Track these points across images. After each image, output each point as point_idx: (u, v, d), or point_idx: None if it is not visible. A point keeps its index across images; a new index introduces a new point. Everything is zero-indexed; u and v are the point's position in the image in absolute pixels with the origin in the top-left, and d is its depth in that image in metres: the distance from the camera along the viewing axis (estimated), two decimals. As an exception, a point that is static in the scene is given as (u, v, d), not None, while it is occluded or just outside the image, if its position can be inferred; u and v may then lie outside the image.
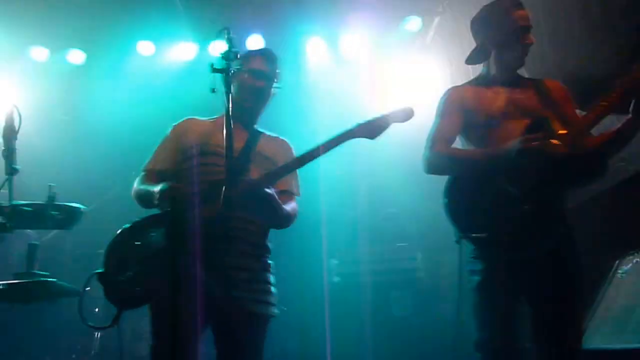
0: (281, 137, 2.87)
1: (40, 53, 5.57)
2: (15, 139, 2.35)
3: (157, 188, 2.32)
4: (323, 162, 2.41)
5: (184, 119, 2.77)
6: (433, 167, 2.63)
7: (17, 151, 2.34)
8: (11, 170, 2.31)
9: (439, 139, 2.62)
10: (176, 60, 5.75)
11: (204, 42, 5.69)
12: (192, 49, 5.74)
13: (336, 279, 4.82)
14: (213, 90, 2.22)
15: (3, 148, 2.34)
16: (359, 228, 5.05)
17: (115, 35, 5.47)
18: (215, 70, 2.28)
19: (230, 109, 2.25)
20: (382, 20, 5.51)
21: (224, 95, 2.25)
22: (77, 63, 5.67)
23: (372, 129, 2.40)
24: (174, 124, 2.74)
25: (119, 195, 3.24)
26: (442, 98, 2.75)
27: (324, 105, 5.32)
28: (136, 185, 2.56)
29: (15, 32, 5.25)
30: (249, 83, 2.65)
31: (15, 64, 5.47)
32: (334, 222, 4.78)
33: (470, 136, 2.68)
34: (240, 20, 5.40)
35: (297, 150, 2.74)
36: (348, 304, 4.55)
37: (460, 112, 2.66)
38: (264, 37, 5.57)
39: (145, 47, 5.68)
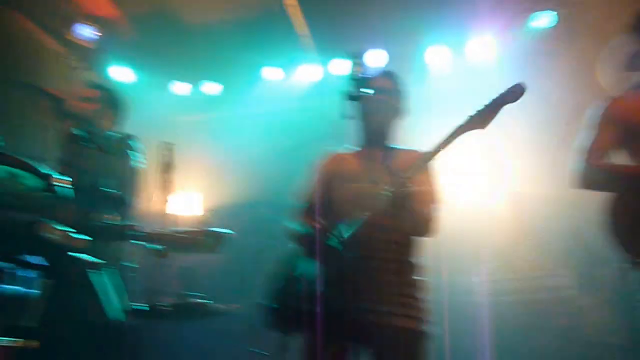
0: (413, 149, 2.86)
1: (183, 88, 6.05)
2: (171, 172, 2.58)
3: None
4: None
5: (328, 156, 2.77)
6: (588, 181, 2.44)
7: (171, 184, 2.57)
8: (168, 203, 2.55)
9: (594, 152, 2.43)
10: (303, 82, 5.94)
11: (328, 61, 5.82)
12: (318, 70, 5.89)
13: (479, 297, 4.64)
14: (346, 117, 2.23)
15: (161, 181, 2.58)
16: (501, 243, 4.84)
17: (244, 64, 5.76)
18: (347, 97, 2.26)
19: (365, 133, 2.25)
20: (508, 19, 5.28)
21: (358, 120, 2.25)
22: (212, 94, 6.07)
23: (483, 118, 2.29)
24: (321, 162, 2.75)
25: (261, 220, 3.39)
26: (598, 108, 2.54)
27: (450, 114, 5.20)
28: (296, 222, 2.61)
29: (157, 70, 5.76)
30: (374, 104, 2.64)
31: (159, 99, 6.00)
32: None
33: (637, 150, 2.45)
34: (361, 36, 5.47)
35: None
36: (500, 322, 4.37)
37: (622, 124, 2.45)
38: (386, 50, 5.59)
39: (272, 73, 5.93)
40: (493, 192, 5.13)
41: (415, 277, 2.55)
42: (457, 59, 5.54)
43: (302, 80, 5.94)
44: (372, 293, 2.35)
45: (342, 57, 5.69)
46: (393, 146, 2.78)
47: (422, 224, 2.50)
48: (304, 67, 5.90)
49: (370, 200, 2.29)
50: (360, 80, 2.28)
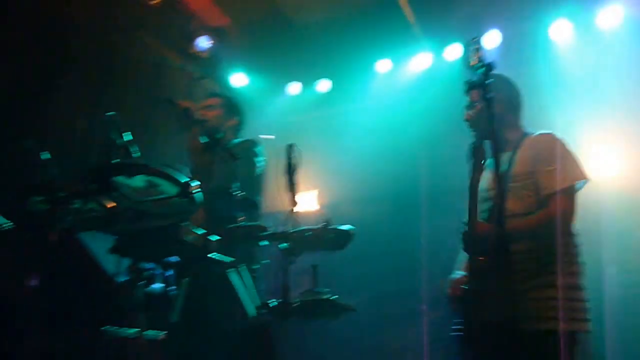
0: (545, 133, 2.76)
1: (294, 87, 6.21)
2: (295, 174, 2.67)
3: None
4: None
5: None
6: None
7: (298, 185, 2.66)
8: (294, 202, 2.63)
9: None
10: (413, 72, 5.85)
11: (439, 49, 5.69)
12: (428, 58, 5.77)
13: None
14: (469, 107, 2.15)
15: (287, 183, 2.68)
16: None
17: (357, 60, 5.78)
18: (471, 86, 2.19)
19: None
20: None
21: (485, 109, 2.16)
22: (324, 91, 6.16)
23: None
24: None
25: (383, 214, 3.40)
26: None
27: (581, 89, 4.87)
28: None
29: (271, 72, 5.96)
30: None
31: (275, 100, 6.19)
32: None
33: None
34: (474, 18, 5.28)
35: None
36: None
37: None
38: (501, 31, 5.35)
39: (383, 65, 5.90)
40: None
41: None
42: (584, 32, 5.15)
43: (414, 70, 5.84)
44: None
45: (456, 42, 5.53)
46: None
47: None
48: (416, 56, 5.79)
49: None
50: (486, 66, 2.18)
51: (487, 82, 2.18)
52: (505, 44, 5.30)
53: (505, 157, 2.81)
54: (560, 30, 5.21)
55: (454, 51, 5.58)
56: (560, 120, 4.58)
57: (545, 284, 2.51)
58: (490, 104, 2.13)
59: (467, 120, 2.93)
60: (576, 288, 2.61)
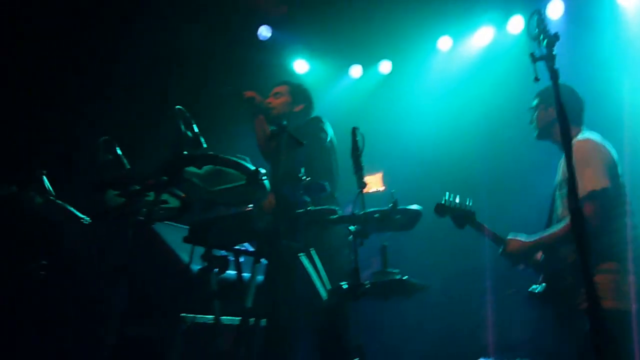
0: (580, 139, 2.97)
1: (356, 70, 6.16)
2: (361, 156, 2.67)
3: None
4: None
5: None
6: None
7: (364, 167, 2.66)
8: (362, 184, 2.63)
9: None
10: (475, 47, 5.66)
11: (501, 22, 5.49)
12: (489, 32, 5.57)
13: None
14: (536, 79, 2.06)
15: (353, 166, 2.68)
16: None
17: (417, 38, 5.68)
18: (536, 59, 2.08)
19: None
20: None
21: (552, 85, 2.05)
22: (385, 73, 6.08)
23: None
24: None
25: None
26: None
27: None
28: None
29: (336, 55, 5.94)
30: None
31: (337, 83, 6.18)
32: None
33: None
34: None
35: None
36: None
37: None
38: (563, 1, 5.11)
39: (444, 43, 5.75)
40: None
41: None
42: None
43: (476, 45, 5.65)
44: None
45: (519, 13, 5.32)
46: None
47: None
48: (477, 31, 5.60)
49: None
50: (551, 38, 2.08)
51: (551, 54, 2.07)
52: (569, 13, 5.08)
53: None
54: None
55: (517, 23, 5.34)
56: (629, 92, 4.37)
57: None
58: (556, 76, 2.04)
59: (531, 123, 3.29)
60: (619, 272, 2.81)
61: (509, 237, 3.10)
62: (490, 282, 4.89)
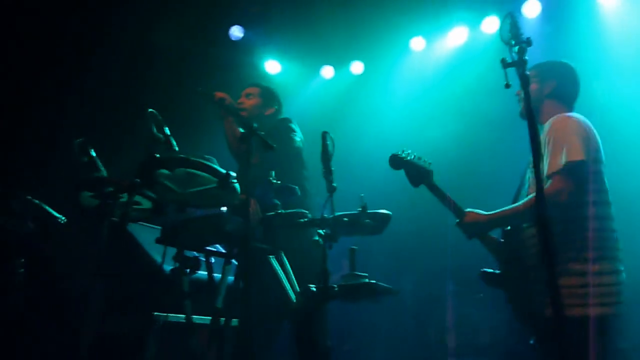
0: (558, 115, 2.81)
1: (328, 71, 6.20)
2: (331, 160, 2.73)
3: None
4: None
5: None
6: None
7: (334, 171, 2.72)
8: (331, 188, 2.70)
9: None
10: (449, 47, 5.70)
11: (475, 22, 5.54)
12: (463, 32, 5.61)
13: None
14: (507, 86, 2.10)
15: (323, 170, 2.74)
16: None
17: (389, 39, 5.71)
18: (507, 65, 2.08)
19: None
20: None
21: (522, 92, 2.11)
22: (357, 73, 6.11)
23: None
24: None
25: (419, 199, 3.41)
26: None
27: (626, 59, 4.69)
28: None
29: (307, 56, 5.95)
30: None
31: (309, 84, 6.21)
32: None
33: None
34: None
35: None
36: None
37: None
38: (540, 1, 5.20)
39: (417, 43, 5.77)
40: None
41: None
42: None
43: (449, 46, 5.69)
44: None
45: (494, 13, 5.35)
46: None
47: None
48: (451, 31, 5.64)
49: None
50: (524, 44, 2.07)
51: (522, 60, 2.07)
52: (546, 12, 5.16)
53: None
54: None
55: (492, 23, 5.37)
56: (604, 92, 4.46)
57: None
58: (526, 82, 2.07)
59: (517, 95, 3.04)
60: (591, 274, 2.60)
61: (468, 209, 2.94)
62: (457, 286, 4.98)
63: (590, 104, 4.40)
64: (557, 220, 2.59)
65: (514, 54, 2.08)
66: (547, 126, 2.83)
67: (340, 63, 6.12)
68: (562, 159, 2.63)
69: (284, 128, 3.65)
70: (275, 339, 3.37)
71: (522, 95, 2.89)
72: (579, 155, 2.63)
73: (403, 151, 3.11)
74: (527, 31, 2.10)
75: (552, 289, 1.79)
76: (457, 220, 2.94)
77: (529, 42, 2.08)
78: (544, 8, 5.17)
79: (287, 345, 3.14)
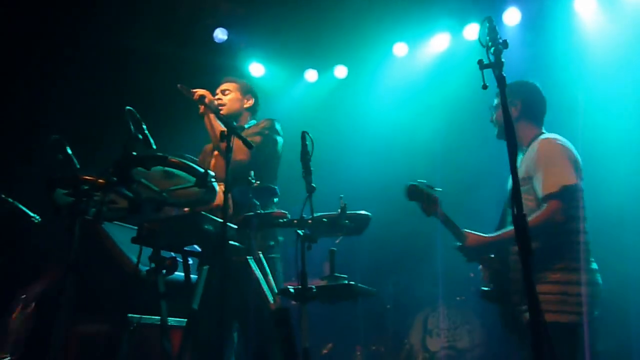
0: (544, 137, 2.94)
1: (311, 75, 6.20)
2: (310, 160, 2.70)
3: None
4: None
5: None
6: None
7: (313, 171, 2.69)
8: (310, 189, 2.66)
9: None
10: (431, 53, 5.76)
11: (457, 29, 5.60)
12: (445, 38, 5.68)
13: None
14: (485, 87, 2.11)
15: (302, 170, 2.71)
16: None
17: (373, 44, 5.74)
18: (484, 66, 2.10)
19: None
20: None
21: (499, 92, 2.11)
22: (341, 77, 6.14)
23: None
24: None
25: (397, 201, 3.41)
26: None
27: (604, 67, 4.75)
28: None
29: (291, 59, 5.94)
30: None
31: (293, 87, 6.20)
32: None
33: None
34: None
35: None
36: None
37: None
38: (520, 9, 5.27)
39: (400, 49, 5.83)
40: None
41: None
42: (610, 5, 5.00)
43: (431, 52, 5.76)
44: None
45: (475, 20, 5.41)
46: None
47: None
48: (433, 37, 5.71)
49: None
50: (500, 47, 2.08)
51: (499, 61, 2.09)
52: (526, 20, 5.23)
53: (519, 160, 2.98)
54: (584, 4, 5.04)
55: (474, 30, 5.44)
56: (583, 98, 4.52)
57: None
58: (503, 84, 2.08)
59: (492, 122, 3.21)
60: (566, 283, 2.78)
61: (466, 231, 2.99)
62: (441, 288, 4.99)
63: (570, 109, 4.52)
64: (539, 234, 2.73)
65: (491, 56, 2.11)
66: (531, 150, 2.97)
67: (324, 67, 6.15)
68: (559, 183, 2.78)
69: (268, 129, 3.60)
70: (252, 339, 3.31)
71: (494, 118, 3.18)
72: (572, 180, 2.81)
73: (419, 182, 3.19)
74: (508, 39, 2.12)
75: (530, 296, 1.85)
76: (459, 244, 3.02)
77: (505, 44, 2.11)
78: (524, 16, 5.26)
79: (263, 346, 3.09)
